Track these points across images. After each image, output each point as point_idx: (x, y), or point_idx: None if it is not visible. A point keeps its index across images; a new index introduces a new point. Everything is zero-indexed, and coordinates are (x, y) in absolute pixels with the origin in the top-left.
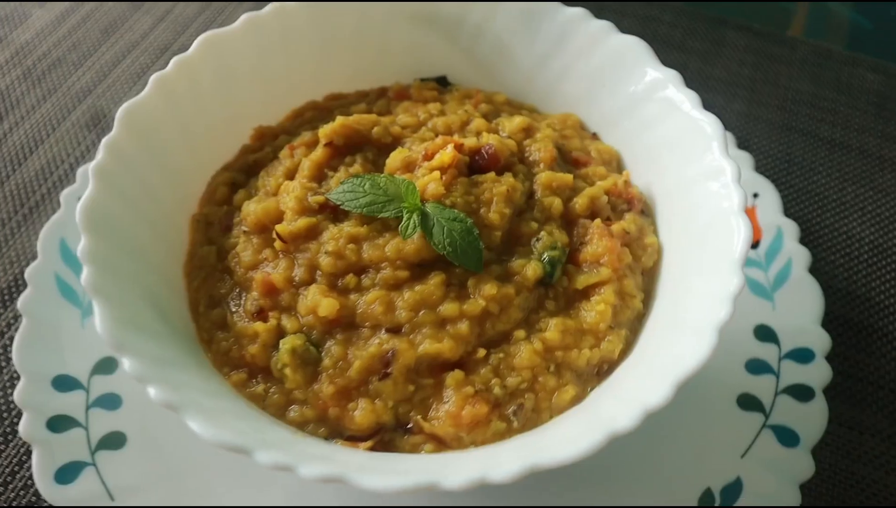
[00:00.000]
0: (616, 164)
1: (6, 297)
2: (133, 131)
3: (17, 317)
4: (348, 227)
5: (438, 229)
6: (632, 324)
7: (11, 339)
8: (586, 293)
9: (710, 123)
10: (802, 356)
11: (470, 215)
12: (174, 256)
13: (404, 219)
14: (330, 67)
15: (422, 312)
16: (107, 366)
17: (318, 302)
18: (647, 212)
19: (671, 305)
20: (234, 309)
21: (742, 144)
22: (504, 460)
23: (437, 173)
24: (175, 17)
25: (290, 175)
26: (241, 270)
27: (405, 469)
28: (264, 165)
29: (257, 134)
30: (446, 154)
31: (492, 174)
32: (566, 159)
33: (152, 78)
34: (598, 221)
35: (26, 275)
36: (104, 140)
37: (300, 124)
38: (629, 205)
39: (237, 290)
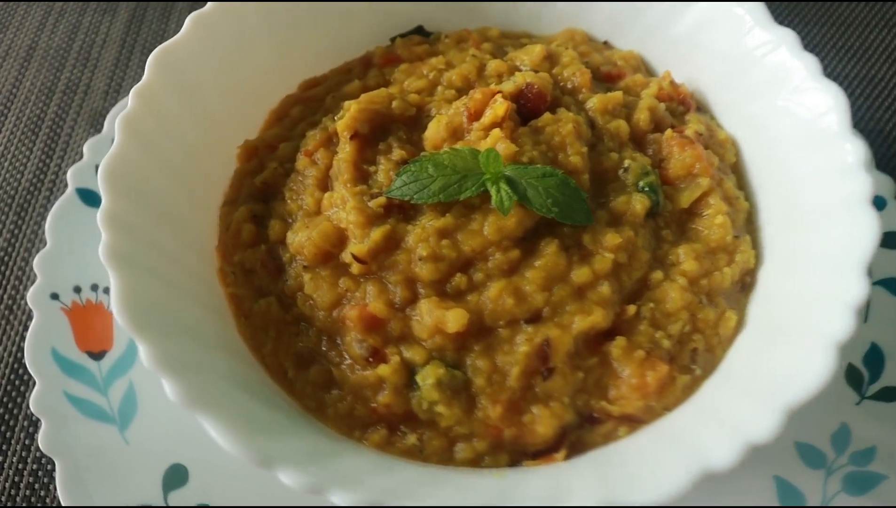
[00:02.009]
0: (643, 65)
1: None
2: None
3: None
4: (430, 221)
5: (534, 192)
6: (747, 227)
7: None
8: (694, 211)
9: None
10: None
11: (549, 165)
12: (223, 320)
13: (493, 192)
14: (290, 53)
15: (555, 288)
16: None
17: (442, 317)
18: (702, 108)
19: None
20: (335, 360)
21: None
22: (578, 488)
23: (496, 131)
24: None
25: (324, 184)
26: (321, 313)
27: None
28: (278, 183)
29: (246, 151)
30: (498, 106)
31: (547, 115)
32: (598, 77)
33: (116, 122)
34: (669, 131)
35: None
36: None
37: (291, 125)
38: (685, 105)
39: (325, 338)
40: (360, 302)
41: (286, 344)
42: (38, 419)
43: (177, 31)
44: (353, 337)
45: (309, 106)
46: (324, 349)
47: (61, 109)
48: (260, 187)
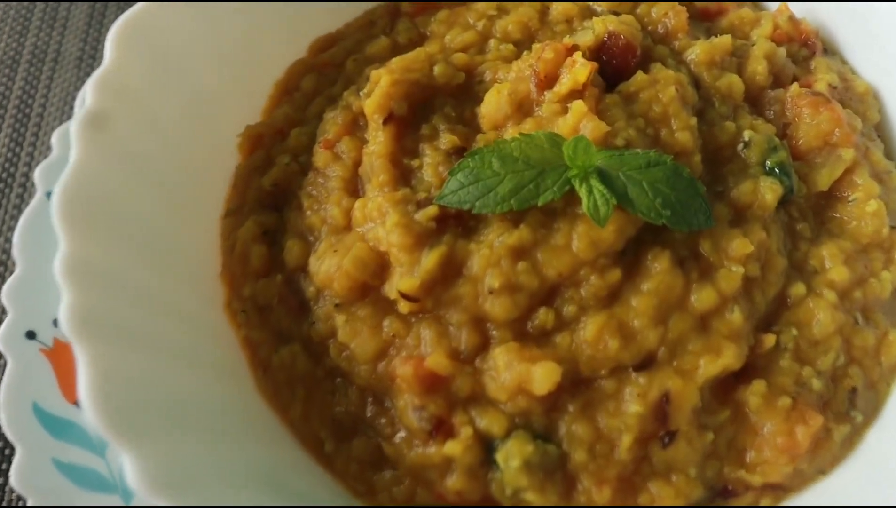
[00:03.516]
0: None
1: None
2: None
3: None
4: (500, 237)
5: (638, 190)
6: None
7: None
8: (835, 194)
9: None
10: None
11: (650, 148)
12: (236, 378)
13: (583, 193)
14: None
15: (671, 319)
16: None
17: (525, 373)
18: (829, 49)
19: None
20: (385, 431)
21: None
22: None
23: (578, 104)
24: None
25: (353, 186)
26: (362, 367)
27: None
28: (292, 184)
29: (248, 140)
30: (579, 70)
31: (639, 74)
32: (693, 16)
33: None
34: (795, 87)
35: None
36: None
37: (304, 103)
38: (809, 48)
39: (370, 399)
40: (413, 353)
41: (320, 407)
42: (20, 498)
43: None
44: (407, 401)
45: (325, 75)
46: (369, 414)
47: (28, 83)
48: (270, 191)
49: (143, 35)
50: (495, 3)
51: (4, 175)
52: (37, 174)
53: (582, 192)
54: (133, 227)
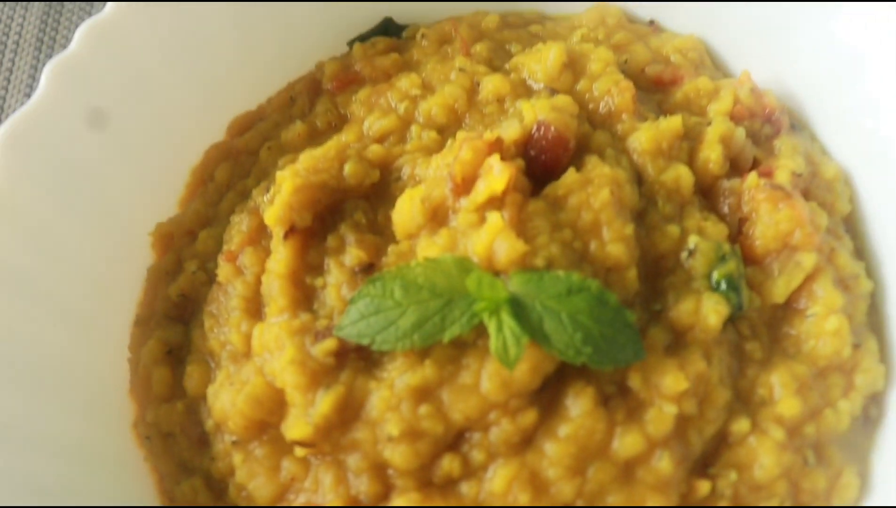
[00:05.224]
0: (708, 58)
1: None
2: None
3: None
4: (402, 376)
5: (555, 324)
6: (871, 319)
7: None
8: (792, 306)
9: None
10: None
11: (576, 266)
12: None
13: (492, 330)
14: (214, 70)
15: (591, 468)
16: None
17: None
18: (797, 123)
19: None
20: None
21: None
22: None
23: (495, 217)
24: None
25: (254, 308)
26: None
27: None
28: (199, 296)
29: (160, 240)
30: (497, 178)
31: (570, 173)
32: (644, 86)
33: None
34: (753, 177)
35: None
36: None
37: (217, 196)
38: (773, 124)
39: None
40: (311, 499)
41: None
42: None
43: None
44: None
45: (239, 163)
46: None
47: None
48: (176, 302)
49: (30, 143)
50: (420, 77)
51: None
52: None
53: (491, 328)
54: (28, 365)
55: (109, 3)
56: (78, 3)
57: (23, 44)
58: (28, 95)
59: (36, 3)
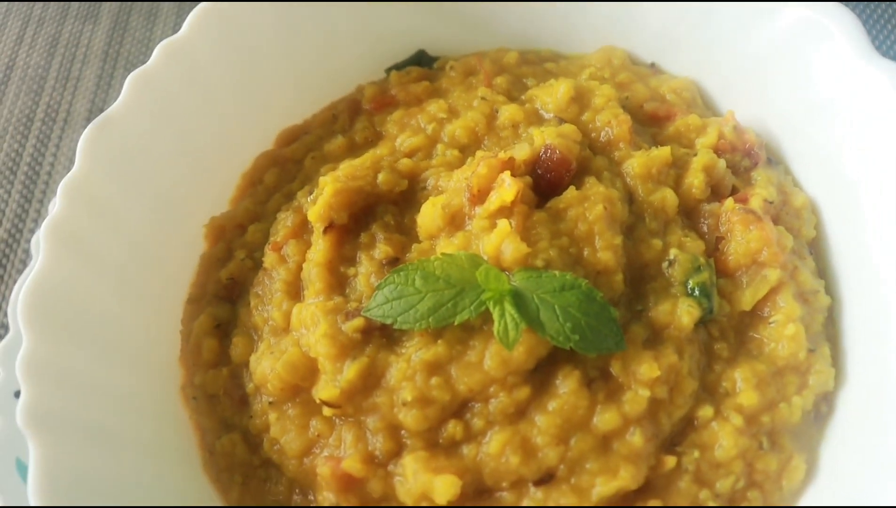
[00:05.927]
0: (700, 98)
1: None
2: None
3: None
4: (418, 352)
5: (549, 314)
6: (826, 330)
7: None
8: (758, 313)
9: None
10: None
11: (571, 268)
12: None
13: (495, 316)
14: (265, 91)
15: (573, 438)
16: None
17: (429, 483)
18: (773, 158)
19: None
20: None
21: None
22: None
23: (504, 223)
24: None
25: (295, 290)
26: (291, 461)
27: None
28: (246, 280)
29: (212, 231)
30: (506, 190)
31: (571, 190)
32: (641, 119)
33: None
34: (730, 202)
35: None
36: None
37: (265, 196)
38: (751, 158)
39: (297, 490)
40: (334, 453)
41: (254, 493)
42: None
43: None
44: (326, 497)
45: (285, 169)
46: (296, 501)
47: (40, 141)
48: (226, 284)
49: (111, 140)
50: (447, 103)
51: (14, 232)
52: (33, 243)
53: (495, 314)
54: (94, 324)
55: (185, 24)
56: (140, 21)
57: (90, 56)
58: (92, 102)
59: (103, 21)
